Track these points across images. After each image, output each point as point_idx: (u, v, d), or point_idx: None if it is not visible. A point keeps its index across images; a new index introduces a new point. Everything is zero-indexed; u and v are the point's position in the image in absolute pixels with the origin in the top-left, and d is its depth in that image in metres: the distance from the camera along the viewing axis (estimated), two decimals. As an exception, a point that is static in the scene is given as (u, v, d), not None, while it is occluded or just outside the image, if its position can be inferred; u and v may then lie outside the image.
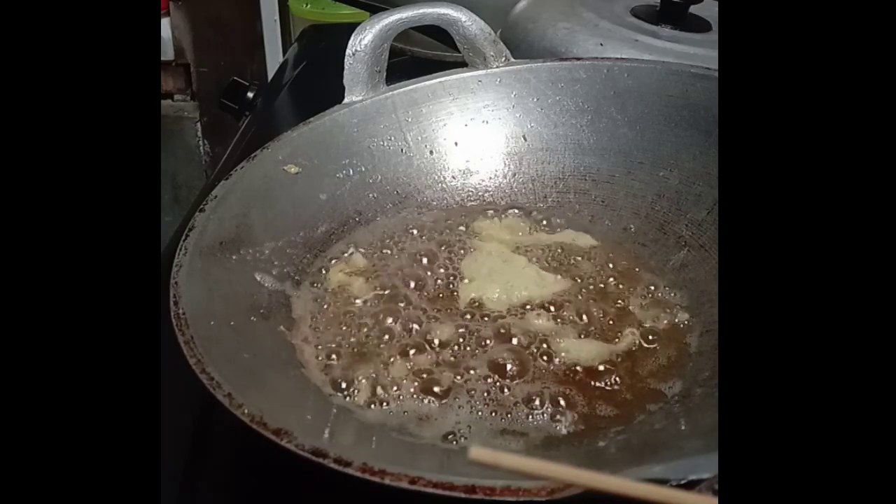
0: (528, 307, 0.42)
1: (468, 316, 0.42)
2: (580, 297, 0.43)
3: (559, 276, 0.45)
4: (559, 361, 0.39)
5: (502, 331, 0.41)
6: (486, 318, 0.42)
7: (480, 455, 0.23)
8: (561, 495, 0.25)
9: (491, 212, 0.50)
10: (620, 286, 0.44)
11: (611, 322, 0.41)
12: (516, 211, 0.50)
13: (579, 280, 0.44)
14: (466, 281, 0.44)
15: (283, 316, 0.42)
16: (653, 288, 0.44)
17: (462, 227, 0.49)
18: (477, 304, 0.43)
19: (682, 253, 0.45)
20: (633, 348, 0.40)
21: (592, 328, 0.41)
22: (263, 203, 0.45)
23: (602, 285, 0.44)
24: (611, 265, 0.45)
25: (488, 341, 0.40)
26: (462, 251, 0.46)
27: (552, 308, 0.42)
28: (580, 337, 0.40)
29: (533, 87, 0.52)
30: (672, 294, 0.43)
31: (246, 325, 0.39)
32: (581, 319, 0.41)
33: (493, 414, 0.36)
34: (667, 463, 0.26)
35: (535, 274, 0.45)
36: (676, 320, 0.41)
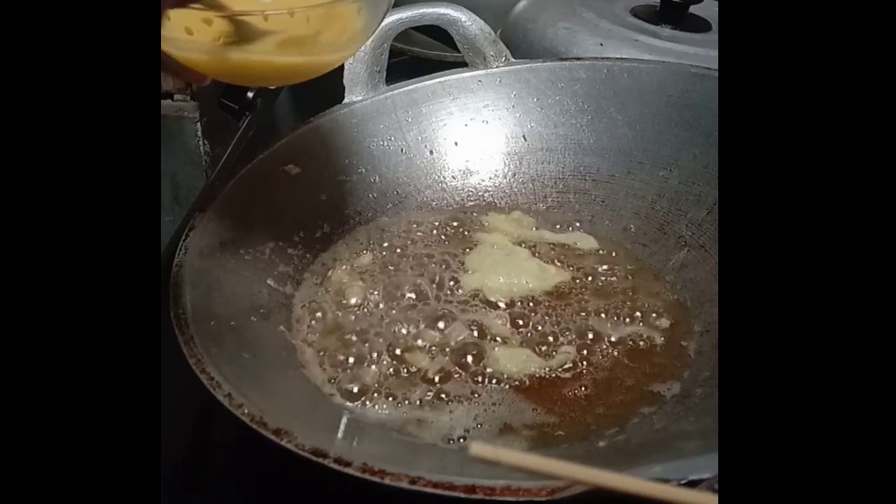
0: (529, 300, 0.43)
1: (471, 312, 0.42)
2: (579, 291, 0.43)
3: (560, 268, 0.45)
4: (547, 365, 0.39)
5: (497, 327, 0.41)
6: (489, 312, 0.42)
7: (481, 451, 0.23)
8: (561, 495, 0.25)
9: (498, 208, 0.51)
10: (619, 285, 0.44)
11: (606, 320, 0.41)
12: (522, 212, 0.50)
13: (580, 274, 0.44)
14: (470, 272, 0.44)
15: (283, 316, 0.42)
16: (652, 288, 0.44)
17: (462, 227, 0.49)
18: (479, 295, 0.43)
19: (682, 253, 0.45)
20: (625, 349, 0.40)
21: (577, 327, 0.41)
22: (263, 203, 0.45)
23: (601, 282, 0.44)
24: (610, 264, 0.45)
25: (488, 340, 0.40)
26: (463, 249, 0.47)
27: (550, 302, 0.42)
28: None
29: (533, 87, 0.52)
30: (671, 294, 0.43)
31: (246, 325, 0.39)
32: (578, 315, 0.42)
33: (493, 414, 0.36)
34: (667, 463, 0.26)
35: (537, 266, 0.45)
36: (676, 320, 0.41)
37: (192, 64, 0.34)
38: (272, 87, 0.70)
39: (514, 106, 0.52)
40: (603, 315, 0.42)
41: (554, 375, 0.38)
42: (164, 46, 0.32)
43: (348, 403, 0.37)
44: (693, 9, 0.61)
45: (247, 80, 0.42)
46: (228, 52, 0.33)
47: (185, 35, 0.32)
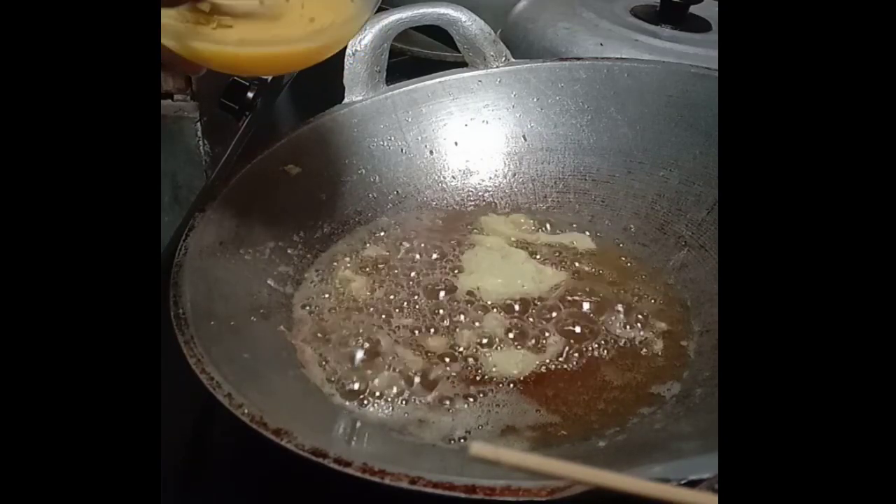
0: (526, 303, 0.42)
1: (470, 313, 0.42)
2: (577, 292, 0.43)
3: (558, 269, 0.45)
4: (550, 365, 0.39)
5: (495, 329, 0.41)
6: (487, 314, 0.42)
7: (481, 451, 0.23)
8: (561, 495, 0.25)
9: (498, 208, 0.51)
10: (619, 285, 0.44)
11: (605, 323, 0.41)
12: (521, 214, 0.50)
13: (577, 277, 0.44)
14: (466, 273, 0.44)
15: (283, 316, 0.42)
16: (652, 288, 0.44)
17: (461, 228, 0.49)
18: (475, 297, 0.43)
19: (682, 253, 0.45)
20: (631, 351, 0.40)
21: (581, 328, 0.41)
22: (263, 203, 0.45)
23: (600, 283, 0.44)
24: (610, 265, 0.45)
25: (485, 340, 0.40)
26: (462, 249, 0.46)
27: (548, 303, 0.42)
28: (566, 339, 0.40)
29: (533, 87, 0.52)
30: (671, 294, 0.43)
31: (246, 325, 0.39)
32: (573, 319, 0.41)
33: (495, 416, 0.36)
34: (667, 463, 0.26)
35: (534, 268, 0.45)
36: (675, 320, 0.41)
37: (186, 52, 0.33)
38: (270, 82, 0.70)
39: (514, 106, 0.52)
40: (602, 316, 0.42)
41: (553, 376, 0.38)
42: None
43: (348, 403, 0.37)
44: (693, 9, 0.61)
45: (242, 68, 0.41)
46: (223, 39, 0.33)
47: (180, 23, 0.32)
